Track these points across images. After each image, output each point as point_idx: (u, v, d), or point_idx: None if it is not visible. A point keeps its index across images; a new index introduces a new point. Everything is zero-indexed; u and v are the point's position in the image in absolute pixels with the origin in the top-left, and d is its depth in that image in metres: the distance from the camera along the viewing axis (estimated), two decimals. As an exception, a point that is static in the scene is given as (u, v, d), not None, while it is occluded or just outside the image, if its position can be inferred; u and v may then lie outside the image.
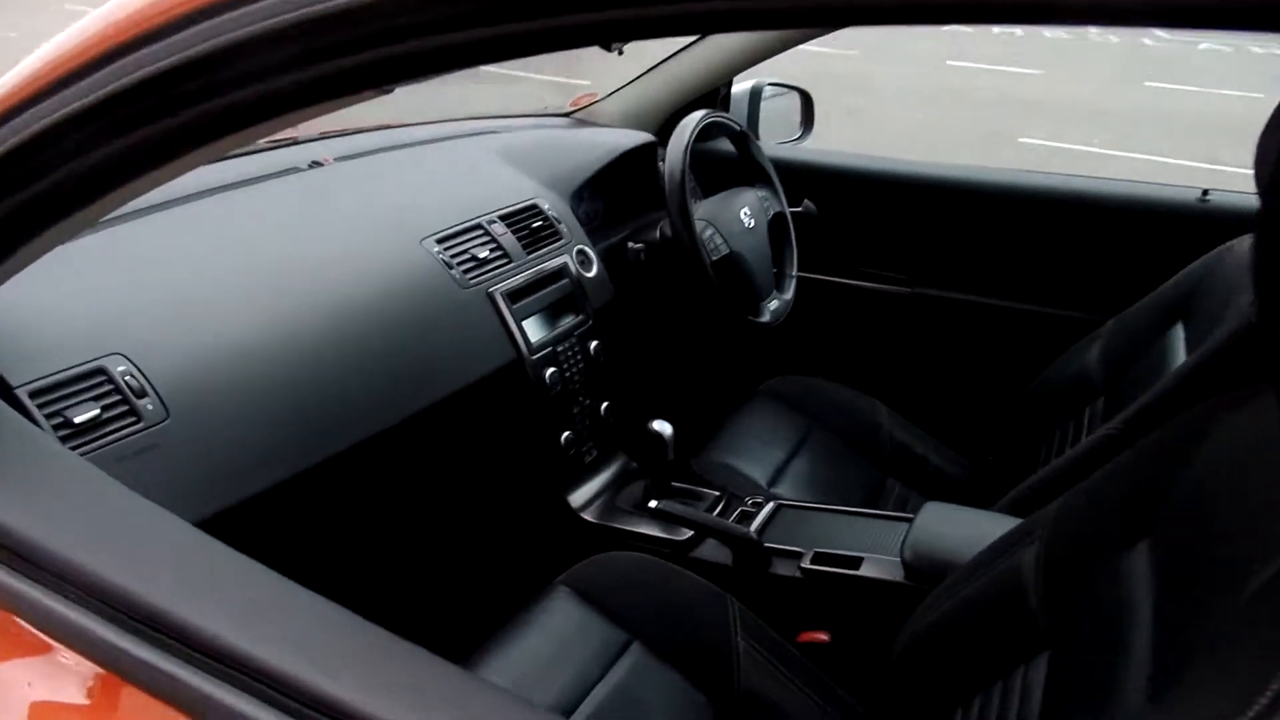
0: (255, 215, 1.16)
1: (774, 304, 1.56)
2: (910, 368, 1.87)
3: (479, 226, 1.31)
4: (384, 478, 1.15)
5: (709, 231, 1.43)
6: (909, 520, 1.26)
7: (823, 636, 1.18)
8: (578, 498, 1.37)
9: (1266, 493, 0.61)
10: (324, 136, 1.52)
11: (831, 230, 1.81)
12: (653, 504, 1.25)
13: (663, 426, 1.30)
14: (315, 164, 1.37)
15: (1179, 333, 1.30)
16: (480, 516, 1.39)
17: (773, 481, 1.58)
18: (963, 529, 1.16)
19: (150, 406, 0.87)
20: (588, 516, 1.35)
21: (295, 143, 1.48)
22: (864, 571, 1.17)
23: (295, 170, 1.33)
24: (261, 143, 1.45)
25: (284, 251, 1.10)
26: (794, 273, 1.63)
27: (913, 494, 1.69)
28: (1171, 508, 0.74)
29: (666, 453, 1.32)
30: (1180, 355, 1.24)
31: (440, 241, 1.24)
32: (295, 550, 1.11)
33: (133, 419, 0.86)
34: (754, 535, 1.22)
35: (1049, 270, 1.72)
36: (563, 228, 1.43)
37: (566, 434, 1.35)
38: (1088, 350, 1.51)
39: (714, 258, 1.42)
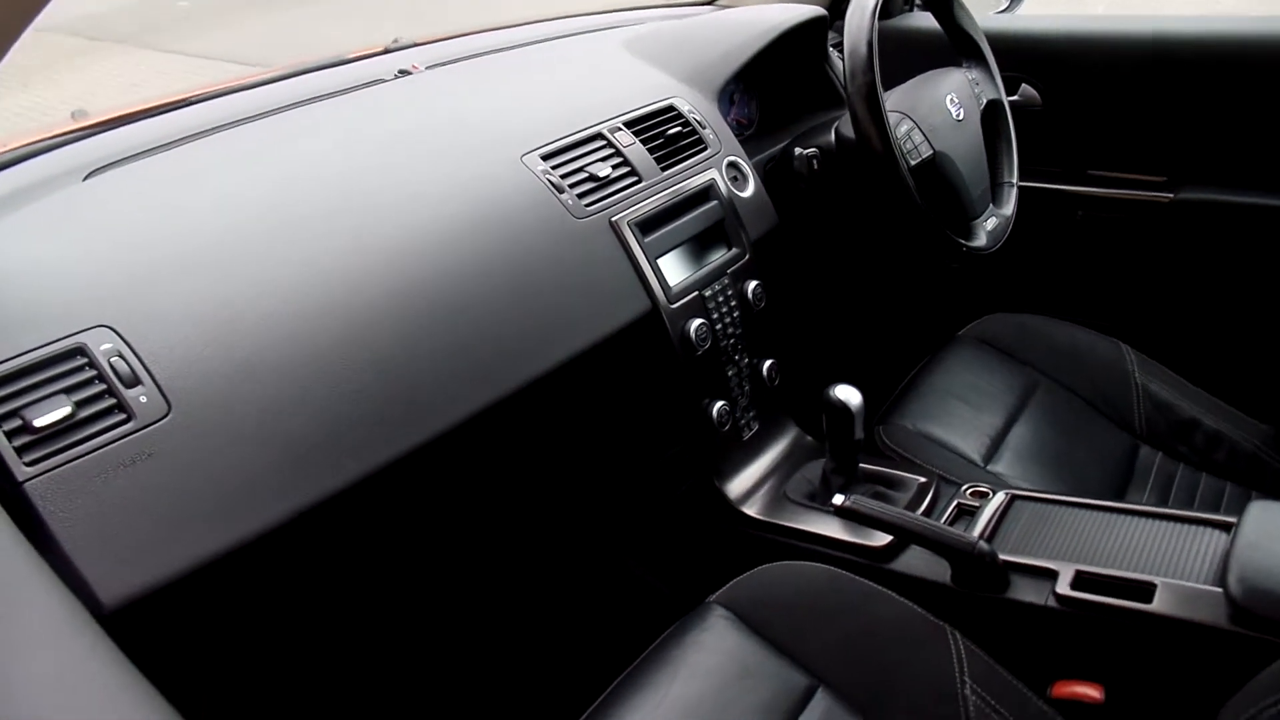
0: (310, 140, 0.90)
1: (991, 222, 1.17)
2: (1170, 300, 1.42)
3: (599, 136, 1.00)
4: (484, 472, 0.88)
5: (905, 127, 1.06)
6: (1224, 525, 0.87)
7: (1093, 693, 0.83)
8: (735, 487, 1.06)
9: None
10: (418, 45, 1.26)
11: (1059, 122, 1.37)
12: (839, 499, 0.92)
13: (848, 394, 0.97)
14: (402, 73, 1.10)
15: None
16: (609, 516, 1.11)
17: (989, 457, 1.22)
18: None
19: (144, 399, 0.63)
20: (750, 511, 1.04)
21: (385, 52, 1.22)
22: (1159, 606, 0.80)
23: (377, 83, 1.07)
24: (348, 53, 1.20)
25: (342, 185, 0.83)
26: (1015, 180, 1.23)
27: (1180, 468, 1.28)
28: None
29: (854, 429, 0.98)
30: None
31: (546, 157, 0.94)
32: (366, 580, 0.87)
33: (120, 417, 0.62)
34: (986, 547, 0.87)
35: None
36: (709, 134, 1.10)
37: (720, 404, 1.04)
38: None
39: (913, 162, 1.05)
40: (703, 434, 1.05)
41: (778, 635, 0.87)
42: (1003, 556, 0.89)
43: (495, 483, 0.91)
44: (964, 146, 1.12)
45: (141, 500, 0.61)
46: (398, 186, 0.85)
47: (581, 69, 1.14)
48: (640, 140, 1.02)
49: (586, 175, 0.95)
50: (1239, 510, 1.12)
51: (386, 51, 1.23)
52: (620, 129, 1.02)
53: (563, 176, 0.93)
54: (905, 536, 0.93)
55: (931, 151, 1.07)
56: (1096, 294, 1.48)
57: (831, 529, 1.00)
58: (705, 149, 1.08)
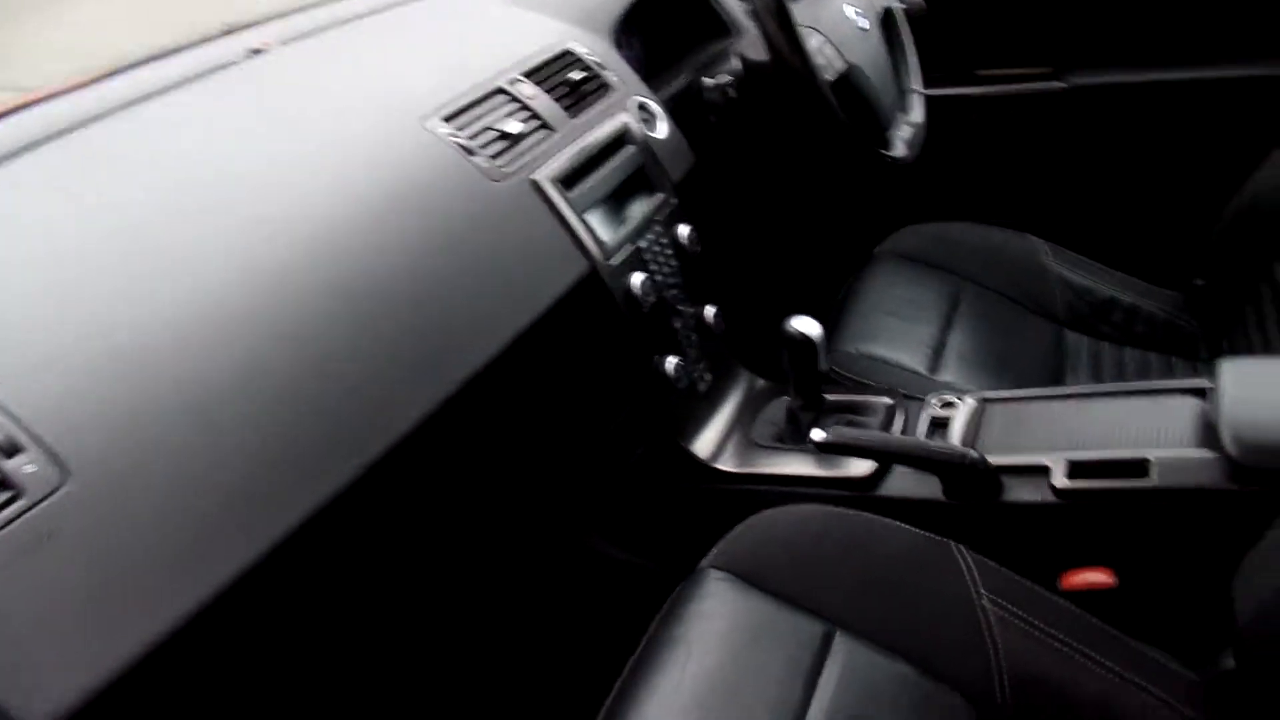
0: (173, 135, 0.78)
1: (905, 131, 1.15)
2: (1073, 188, 1.44)
3: (500, 91, 0.91)
4: (443, 474, 0.80)
5: (816, 40, 1.02)
6: (1197, 391, 0.88)
7: (1104, 578, 0.82)
8: (703, 445, 1.00)
9: None
10: (261, 22, 1.12)
11: (943, 26, 1.36)
12: (817, 435, 0.88)
13: (807, 325, 0.93)
14: (255, 52, 0.97)
15: None
16: (577, 498, 1.03)
17: (934, 367, 1.21)
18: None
19: (32, 468, 0.51)
20: (724, 466, 0.99)
21: (225, 35, 1.08)
22: (1157, 480, 0.80)
23: (227, 66, 0.94)
24: (179, 42, 1.05)
25: (223, 180, 0.72)
26: (920, 88, 1.21)
27: (1105, 346, 1.31)
28: None
29: (818, 361, 0.94)
30: None
31: (449, 119, 0.85)
32: (340, 616, 0.77)
33: (6, 495, 0.50)
34: (976, 454, 0.85)
35: (1262, 13, 1.27)
36: (611, 76, 1.02)
37: (672, 360, 0.97)
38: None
39: (829, 77, 1.01)
40: (658, 394, 0.99)
41: (782, 586, 0.82)
42: (991, 460, 0.87)
43: (456, 483, 0.83)
44: (872, 56, 1.09)
45: (57, 592, 0.50)
46: (289, 172, 0.74)
47: (461, 24, 1.03)
48: (544, 90, 0.94)
49: (497, 134, 0.86)
50: (1164, 375, 1.15)
51: (227, 34, 1.09)
52: (520, 80, 0.93)
53: (471, 138, 0.84)
54: (892, 459, 0.90)
55: (845, 64, 1.03)
56: (1001, 192, 1.49)
57: (809, 467, 0.96)
58: (611, 91, 1.01)
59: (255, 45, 0.99)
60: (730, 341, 1.11)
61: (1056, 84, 1.38)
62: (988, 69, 1.42)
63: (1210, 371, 0.87)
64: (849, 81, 1.04)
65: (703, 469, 0.99)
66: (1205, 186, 1.28)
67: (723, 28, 1.30)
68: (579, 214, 0.88)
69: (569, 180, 0.90)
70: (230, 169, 0.72)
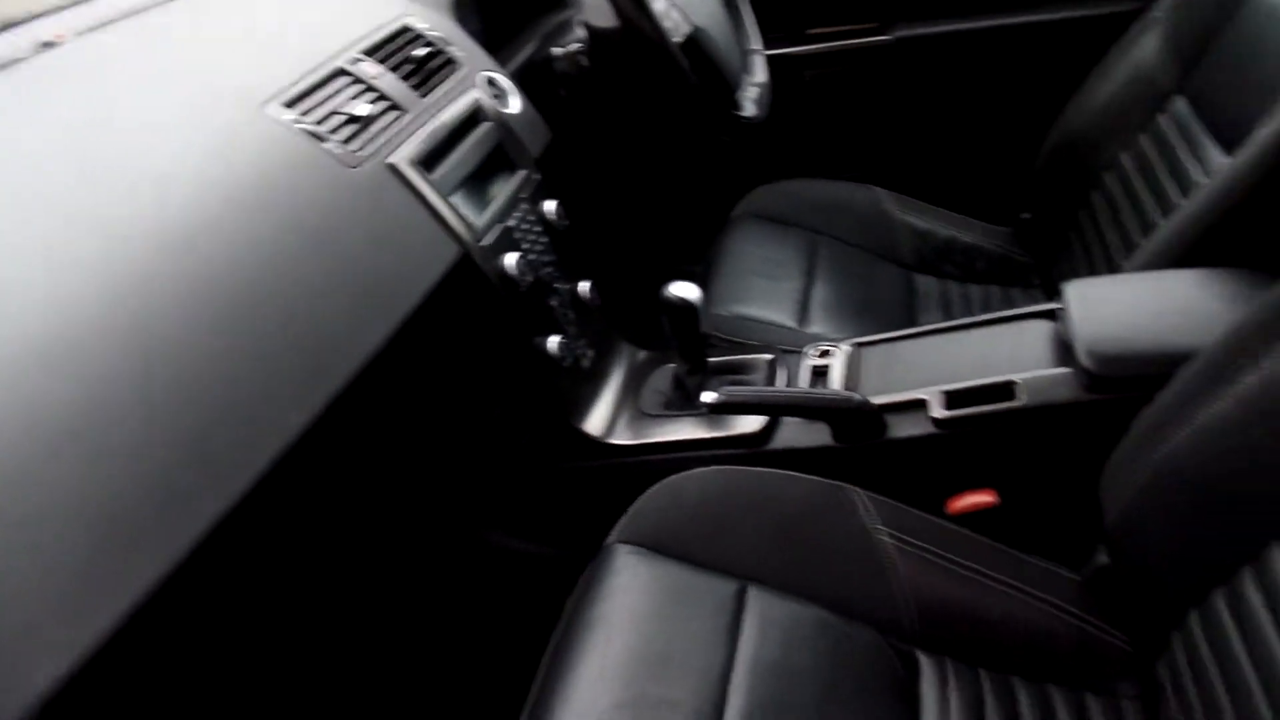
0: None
1: (753, 91, 1.17)
2: (907, 137, 1.52)
3: (341, 72, 0.85)
4: (329, 483, 0.74)
5: (660, 4, 1.01)
6: (1047, 314, 0.94)
7: (987, 498, 0.88)
8: (595, 421, 0.99)
9: None
10: (50, 11, 1.00)
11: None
12: (709, 396, 0.88)
13: (686, 290, 0.93)
14: (46, 45, 0.86)
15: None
16: (471, 496, 1.00)
17: (802, 320, 1.25)
18: (1144, 302, 0.85)
19: None
20: (619, 440, 0.98)
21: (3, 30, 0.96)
22: (1024, 399, 0.86)
23: (15, 62, 0.83)
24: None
25: (45, 188, 0.63)
26: (761, 48, 1.23)
27: (951, 284, 1.39)
28: None
29: (698, 324, 0.94)
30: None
31: (292, 104, 0.78)
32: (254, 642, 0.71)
33: None
34: (860, 397, 0.88)
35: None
36: (456, 51, 0.98)
37: (554, 339, 0.95)
38: (1141, 44, 1.19)
39: (678, 40, 1.01)
40: (544, 375, 0.97)
41: (690, 551, 0.82)
42: (873, 401, 0.91)
43: (345, 491, 0.78)
44: (715, 18, 1.09)
45: None
46: (120, 173, 0.66)
47: (286, 2, 0.96)
48: (388, 69, 0.88)
49: (346, 117, 0.80)
50: (1005, 306, 1.23)
51: (5, 29, 0.96)
52: (361, 59, 0.87)
53: (318, 123, 0.78)
54: (781, 411, 0.92)
55: (691, 27, 1.03)
56: (842, 147, 1.55)
57: (702, 430, 0.97)
58: (458, 68, 0.97)
59: (47, 38, 0.88)
60: (607, 315, 1.10)
61: (883, 38, 1.44)
62: (817, 27, 1.46)
63: (1049, 296, 0.94)
64: (695, 44, 1.05)
65: (598, 446, 0.97)
66: (1024, 127, 1.37)
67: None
68: (443, 196, 0.84)
69: (428, 162, 0.85)
70: (51, 178, 0.64)
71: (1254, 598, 0.61)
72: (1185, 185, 1.01)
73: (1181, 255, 0.92)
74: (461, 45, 0.99)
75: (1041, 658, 0.77)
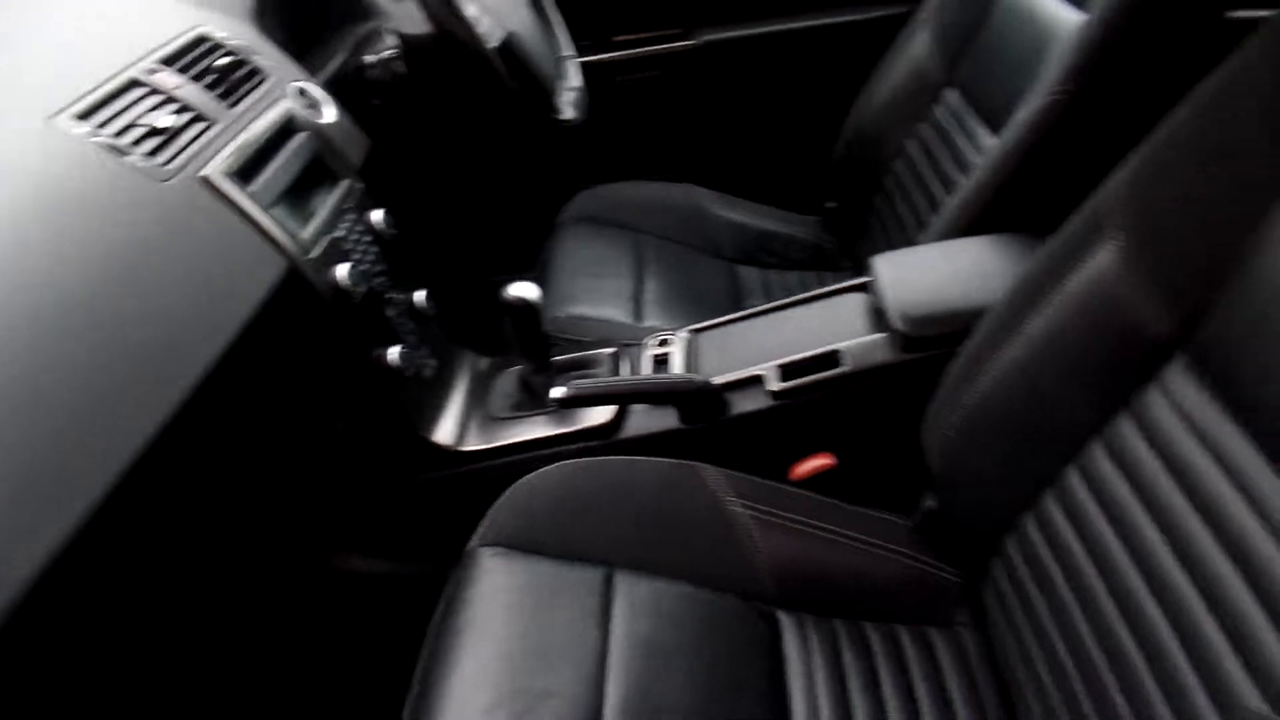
0: None
1: (569, 95, 1.19)
2: (717, 136, 1.59)
3: (136, 83, 0.79)
4: (167, 523, 0.69)
5: (472, 10, 1.01)
6: (859, 287, 1.02)
7: (826, 461, 0.94)
8: (445, 430, 0.98)
9: None
10: None
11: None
12: (557, 392, 0.90)
13: (526, 289, 0.93)
14: None
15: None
16: (325, 520, 0.95)
17: (638, 316, 1.28)
18: (942, 268, 0.94)
19: None
20: (471, 446, 0.97)
21: None
22: (849, 365, 0.93)
23: None
24: None
25: None
26: (573, 53, 1.26)
27: (770, 273, 1.48)
28: None
29: (540, 323, 0.95)
30: (1044, 5, 1.07)
31: (85, 116, 0.72)
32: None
33: None
34: (701, 379, 0.92)
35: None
36: (262, 61, 0.94)
37: (395, 350, 0.93)
38: (914, 42, 1.32)
39: (492, 45, 1.02)
40: (387, 388, 0.94)
41: (553, 545, 0.83)
42: (714, 382, 0.95)
43: (185, 525, 0.72)
44: (526, 23, 1.11)
45: None
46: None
47: (64, 9, 0.88)
48: (189, 79, 0.84)
49: (147, 129, 0.75)
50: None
51: None
52: (158, 69, 0.82)
53: (116, 135, 0.73)
54: (629, 400, 0.94)
55: (505, 32, 1.04)
56: (657, 148, 1.61)
57: (553, 427, 0.98)
58: (266, 77, 0.93)
59: None
60: (445, 324, 1.09)
61: (687, 43, 1.50)
62: (623, 34, 1.51)
63: (859, 276, 1.02)
64: (510, 49, 1.06)
65: (451, 455, 0.96)
66: (822, 122, 1.48)
67: (361, 8, 1.25)
68: (264, 209, 0.81)
69: (244, 174, 0.81)
70: None
71: (1056, 516, 0.69)
72: (963, 165, 1.13)
73: (967, 226, 1.02)
74: (267, 55, 0.95)
75: (886, 600, 0.84)
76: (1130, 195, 0.68)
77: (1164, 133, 0.68)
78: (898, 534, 0.87)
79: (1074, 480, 0.68)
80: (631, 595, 0.80)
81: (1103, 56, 0.89)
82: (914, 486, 0.89)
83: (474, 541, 0.84)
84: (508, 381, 1.05)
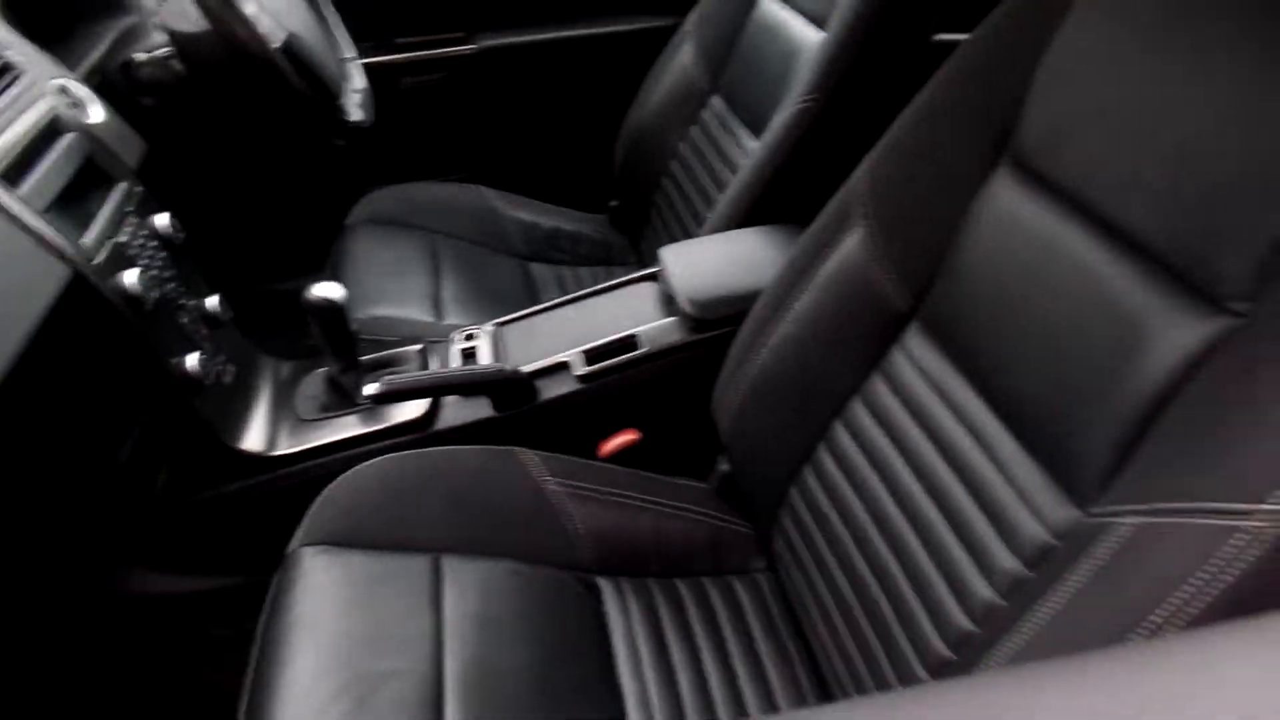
0: None
1: (356, 97, 1.19)
2: (504, 137, 1.64)
3: None
4: None
5: (251, 9, 0.99)
6: (649, 277, 1.11)
7: (631, 436, 1.02)
8: (254, 438, 0.95)
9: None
10: None
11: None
12: (370, 389, 0.91)
13: (330, 289, 0.94)
14: None
15: (768, 1, 1.28)
16: (114, 537, 0.90)
17: (439, 314, 1.31)
18: (721, 257, 1.05)
19: None
20: (282, 451, 0.95)
21: None
22: (646, 347, 1.01)
23: None
24: None
25: None
26: (355, 55, 1.25)
27: (563, 269, 1.55)
28: (1033, 102, 0.69)
29: (346, 322, 0.96)
30: (787, 18, 1.22)
31: None
32: None
33: None
34: (510, 368, 0.97)
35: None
36: (15, 56, 0.87)
37: (193, 357, 0.90)
38: (681, 53, 1.44)
39: (275, 45, 1.00)
40: (187, 397, 0.91)
41: (377, 537, 0.85)
42: (524, 370, 1.00)
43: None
44: (307, 24, 1.10)
45: None
46: None
47: None
48: None
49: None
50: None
51: None
52: None
53: None
54: (443, 392, 0.97)
55: (286, 32, 1.02)
56: (445, 149, 1.62)
57: (366, 425, 0.99)
58: (21, 74, 0.86)
59: None
60: (241, 328, 1.06)
61: (469, 47, 1.54)
62: (405, 37, 1.52)
63: (646, 263, 1.11)
64: (293, 50, 1.04)
65: (262, 461, 0.94)
66: (603, 124, 1.56)
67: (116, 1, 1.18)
68: (38, 213, 0.76)
69: (9, 177, 0.76)
70: None
71: (829, 465, 0.81)
72: (731, 165, 1.25)
73: (739, 219, 1.14)
74: (20, 50, 0.89)
75: (692, 557, 0.93)
76: (870, 189, 0.81)
77: (892, 135, 0.81)
78: (699, 496, 0.97)
79: (841, 433, 0.80)
80: (460, 577, 0.83)
81: (840, 70, 1.04)
82: (710, 453, 0.99)
83: (295, 543, 0.84)
84: (314, 383, 1.04)
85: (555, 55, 1.58)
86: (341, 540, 0.84)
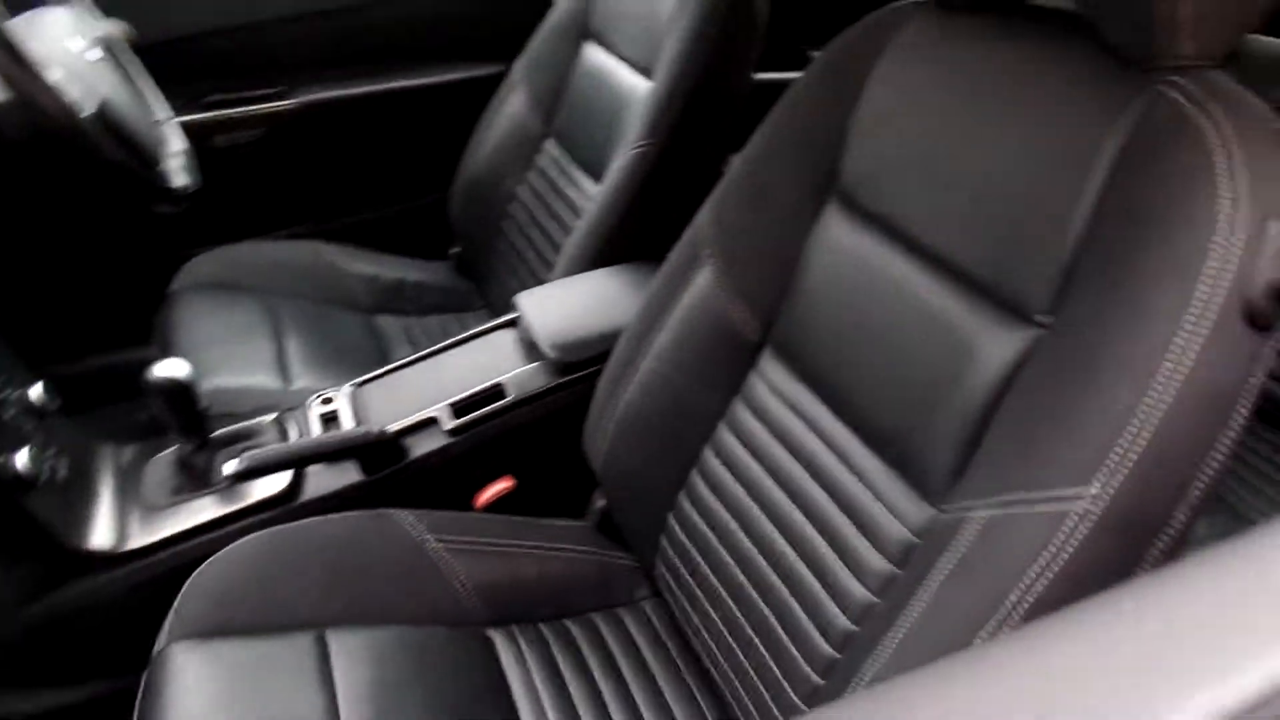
0: None
1: (176, 161, 1.14)
2: (334, 192, 1.60)
3: None
4: None
5: (57, 75, 0.93)
6: (509, 324, 1.12)
7: (507, 484, 1.02)
8: (100, 534, 0.88)
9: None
10: None
11: (168, 56, 1.35)
12: (230, 467, 0.87)
13: (175, 367, 0.89)
14: None
15: (594, 49, 1.33)
16: None
17: (287, 379, 1.26)
18: (578, 299, 1.08)
19: None
20: (138, 543, 0.89)
21: None
22: (514, 394, 1.02)
23: None
24: None
25: None
26: (171, 116, 1.20)
27: (410, 319, 1.53)
28: (854, 142, 0.77)
29: (196, 400, 0.91)
30: (614, 66, 1.28)
31: None
32: None
33: None
34: (377, 430, 0.95)
35: (443, 30, 1.58)
36: None
37: (21, 454, 0.83)
38: (511, 100, 1.47)
39: (87, 114, 0.94)
40: (17, 500, 0.83)
41: (253, 622, 0.82)
42: (390, 430, 0.99)
43: None
44: (118, 88, 1.04)
45: None
46: None
47: None
48: None
49: None
50: (462, 330, 1.41)
51: None
52: None
53: None
54: (309, 461, 0.94)
55: (99, 98, 0.97)
56: (272, 207, 1.57)
57: (226, 505, 0.94)
58: None
59: None
60: (70, 410, 0.98)
61: (287, 103, 1.50)
62: (217, 95, 1.46)
63: (496, 314, 1.11)
64: (106, 117, 0.99)
65: (112, 558, 0.88)
66: (436, 173, 1.56)
67: None
68: None
69: None
70: None
71: (702, 489, 0.86)
72: (573, 208, 1.29)
73: (588, 261, 1.17)
74: None
75: (579, 596, 0.95)
76: (714, 228, 0.87)
77: (731, 175, 0.88)
78: (578, 535, 0.99)
79: (712, 459, 0.85)
80: (348, 649, 0.81)
81: (671, 119, 1.10)
82: (585, 490, 1.01)
83: (162, 640, 0.79)
84: (161, 466, 0.97)
85: (380, 107, 1.57)
86: (213, 630, 0.80)
